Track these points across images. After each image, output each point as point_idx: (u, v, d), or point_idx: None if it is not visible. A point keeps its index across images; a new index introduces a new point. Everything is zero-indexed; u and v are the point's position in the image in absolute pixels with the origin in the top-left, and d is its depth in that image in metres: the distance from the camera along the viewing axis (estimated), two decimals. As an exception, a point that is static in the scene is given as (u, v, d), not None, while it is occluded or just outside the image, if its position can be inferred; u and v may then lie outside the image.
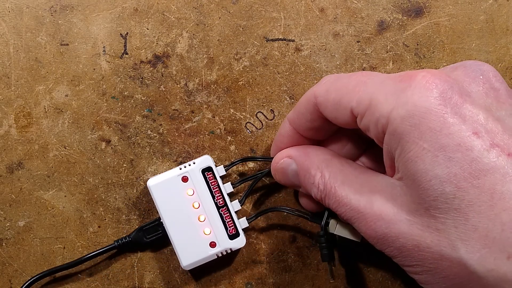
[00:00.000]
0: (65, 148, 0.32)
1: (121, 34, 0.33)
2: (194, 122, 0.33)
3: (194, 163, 0.30)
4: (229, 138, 0.33)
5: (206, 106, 0.33)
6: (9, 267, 0.32)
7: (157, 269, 0.32)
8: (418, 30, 0.33)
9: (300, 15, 0.33)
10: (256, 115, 0.33)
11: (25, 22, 0.33)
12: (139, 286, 0.32)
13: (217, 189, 0.30)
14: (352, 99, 0.24)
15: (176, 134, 0.33)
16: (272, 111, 0.33)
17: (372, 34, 0.33)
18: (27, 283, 0.30)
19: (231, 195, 0.31)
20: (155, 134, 0.33)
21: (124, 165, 0.32)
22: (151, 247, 0.32)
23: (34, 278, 0.31)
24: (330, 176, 0.26)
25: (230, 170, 0.32)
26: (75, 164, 0.32)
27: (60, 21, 0.33)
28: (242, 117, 0.33)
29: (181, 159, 0.32)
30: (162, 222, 0.30)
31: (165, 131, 0.33)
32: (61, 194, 0.32)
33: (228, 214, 0.30)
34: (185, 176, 0.30)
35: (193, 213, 0.30)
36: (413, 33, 0.33)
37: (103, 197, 0.32)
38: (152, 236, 0.31)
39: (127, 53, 0.33)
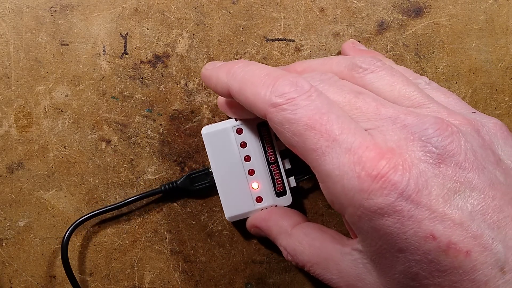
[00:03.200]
0: (65, 148, 0.32)
1: (121, 34, 0.33)
2: (194, 122, 0.33)
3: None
4: (229, 138, 0.33)
5: (206, 106, 0.33)
6: (9, 267, 0.32)
7: (157, 269, 0.32)
8: (418, 30, 0.33)
9: (300, 15, 0.33)
10: (256, 115, 0.33)
11: (25, 22, 0.33)
12: (139, 286, 0.32)
13: (270, 145, 0.30)
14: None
15: (176, 134, 0.33)
16: (272, 111, 0.33)
17: (372, 34, 0.33)
18: (75, 223, 0.31)
19: (283, 154, 0.31)
20: (155, 134, 0.33)
21: (124, 165, 0.32)
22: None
23: (84, 217, 0.31)
24: (289, 250, 0.28)
25: None
26: (75, 164, 0.32)
27: (60, 21, 0.33)
28: (242, 117, 0.33)
29: (181, 159, 0.32)
30: (211, 171, 0.30)
31: (165, 131, 0.33)
32: (61, 194, 0.32)
33: (278, 171, 0.30)
34: (240, 128, 0.30)
35: (243, 166, 0.30)
36: (413, 33, 0.33)
37: (103, 197, 0.32)
38: (199, 185, 0.31)
39: (127, 53, 0.33)
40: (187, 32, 0.33)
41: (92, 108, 0.33)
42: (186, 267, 0.32)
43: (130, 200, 0.31)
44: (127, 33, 0.33)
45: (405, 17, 0.33)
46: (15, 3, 0.33)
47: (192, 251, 0.32)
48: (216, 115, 0.33)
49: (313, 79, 0.25)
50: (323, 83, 0.24)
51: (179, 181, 0.31)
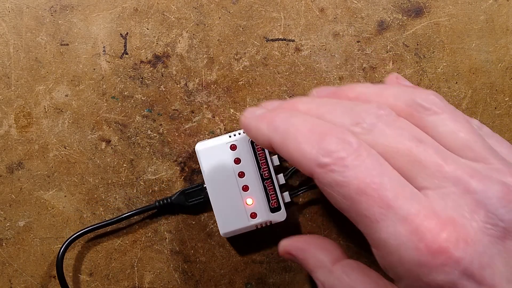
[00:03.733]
0: (65, 148, 0.32)
1: (121, 34, 0.33)
2: (194, 122, 0.33)
3: (244, 132, 0.30)
4: (229, 138, 0.33)
5: (206, 106, 0.33)
6: (9, 267, 0.32)
7: (157, 269, 0.32)
8: (418, 30, 0.33)
9: (300, 15, 0.33)
10: (256, 115, 0.33)
11: (25, 22, 0.33)
12: (139, 286, 0.32)
13: (264, 161, 0.30)
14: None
15: (176, 134, 0.33)
16: (272, 111, 0.33)
17: (372, 34, 0.33)
18: (68, 240, 0.31)
19: (277, 169, 0.31)
20: (155, 134, 0.33)
21: (124, 165, 0.32)
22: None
23: (76, 235, 0.31)
24: (327, 287, 0.25)
25: None
26: (75, 164, 0.32)
27: (60, 21, 0.33)
28: (242, 117, 0.33)
29: (181, 159, 0.32)
30: (205, 187, 0.30)
31: (165, 131, 0.33)
32: (61, 194, 0.32)
33: (272, 187, 0.30)
34: (234, 145, 0.30)
35: (237, 182, 0.30)
36: (413, 33, 0.33)
37: (103, 197, 0.32)
38: (193, 200, 0.31)
39: (127, 53, 0.33)
40: (187, 32, 0.33)
41: (92, 108, 0.33)
42: (186, 267, 0.32)
43: (124, 216, 0.31)
44: (127, 33, 0.33)
45: (405, 17, 0.33)
46: (15, 3, 0.33)
47: (192, 251, 0.32)
48: (216, 115, 0.33)
49: (368, 113, 0.22)
50: (380, 121, 0.22)
51: (173, 197, 0.31)
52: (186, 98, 0.33)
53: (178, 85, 0.33)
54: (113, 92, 0.33)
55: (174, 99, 0.33)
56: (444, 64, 0.33)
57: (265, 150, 0.30)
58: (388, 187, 0.20)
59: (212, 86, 0.33)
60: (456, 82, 0.33)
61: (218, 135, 0.32)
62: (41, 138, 0.32)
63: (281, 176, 0.31)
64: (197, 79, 0.33)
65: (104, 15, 0.33)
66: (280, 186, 0.31)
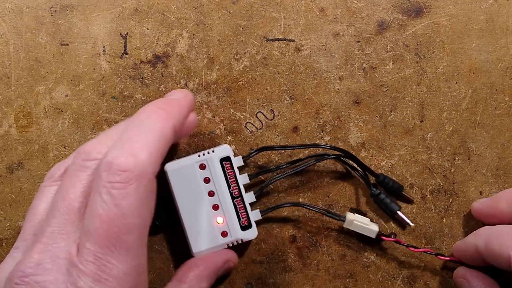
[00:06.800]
0: (65, 148, 0.32)
1: (121, 34, 0.33)
2: (194, 122, 0.33)
3: (213, 151, 0.30)
4: (229, 138, 0.33)
5: (206, 106, 0.33)
6: (9, 267, 0.32)
7: (157, 269, 0.32)
8: (418, 30, 0.33)
9: (300, 15, 0.33)
10: (256, 115, 0.33)
11: (25, 22, 0.33)
12: (139, 286, 0.32)
13: (234, 179, 0.30)
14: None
15: (176, 134, 0.33)
16: (272, 111, 0.33)
17: (372, 34, 0.33)
18: None
19: (247, 187, 0.31)
20: (155, 134, 0.33)
21: (124, 165, 0.32)
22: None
23: None
24: None
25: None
26: (75, 164, 0.32)
27: (60, 21, 0.33)
28: (242, 117, 0.33)
29: (181, 159, 0.32)
30: (176, 207, 0.30)
31: (165, 131, 0.33)
32: (61, 194, 0.32)
33: (242, 205, 0.30)
34: (203, 164, 0.30)
35: (207, 201, 0.30)
36: (413, 33, 0.33)
37: (103, 197, 0.32)
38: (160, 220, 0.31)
39: (127, 53, 0.33)
40: (187, 32, 0.33)
41: (92, 108, 0.33)
42: (186, 267, 0.32)
43: None
44: (127, 33, 0.33)
45: (405, 17, 0.33)
46: (15, 3, 0.33)
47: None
48: (216, 115, 0.33)
49: None
50: None
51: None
52: (186, 98, 0.33)
53: (178, 85, 0.33)
54: (113, 92, 0.33)
55: (174, 99, 0.33)
56: (444, 64, 0.33)
57: (234, 168, 0.30)
58: None
59: (212, 86, 0.33)
60: (456, 82, 0.33)
61: (218, 135, 0.32)
62: (41, 138, 0.32)
63: (251, 194, 0.31)
64: (197, 79, 0.33)
65: (104, 15, 0.33)
66: (251, 204, 0.31)
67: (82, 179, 0.23)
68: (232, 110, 0.33)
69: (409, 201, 0.32)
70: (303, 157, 0.32)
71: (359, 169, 0.31)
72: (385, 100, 0.33)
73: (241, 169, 0.31)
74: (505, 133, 0.33)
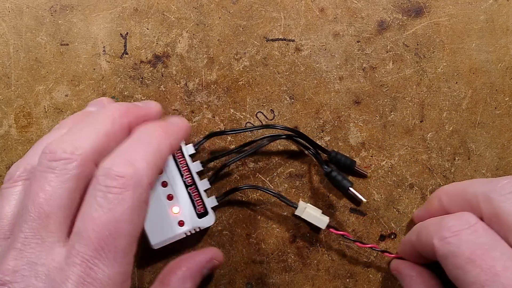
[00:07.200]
0: (65, 148, 0.32)
1: (121, 34, 0.33)
2: (194, 122, 0.33)
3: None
4: (229, 138, 0.33)
5: (206, 106, 0.33)
6: (9, 267, 0.32)
7: (157, 269, 0.32)
8: (418, 30, 0.33)
9: (300, 15, 0.33)
10: (256, 115, 0.33)
11: (25, 22, 0.33)
12: (139, 286, 0.32)
13: (186, 167, 0.30)
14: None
15: (176, 134, 0.33)
16: (272, 111, 0.33)
17: (372, 34, 0.33)
18: None
19: (202, 174, 0.31)
20: (155, 134, 0.33)
21: (124, 165, 0.32)
22: None
23: None
24: None
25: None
26: (75, 164, 0.32)
27: (60, 21, 0.33)
28: (242, 117, 0.33)
29: (181, 159, 0.32)
30: None
31: (165, 131, 0.33)
32: (61, 194, 0.32)
33: (197, 192, 0.30)
34: None
35: (161, 192, 0.30)
36: (413, 33, 0.33)
37: (103, 197, 0.32)
38: None
39: (127, 53, 0.33)
40: (187, 32, 0.33)
41: (92, 108, 0.33)
42: (186, 267, 0.32)
43: None
44: (127, 33, 0.33)
45: (405, 17, 0.33)
46: (15, 3, 0.33)
47: (192, 251, 0.32)
48: (216, 115, 0.33)
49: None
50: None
51: None
52: (186, 98, 0.33)
53: (178, 85, 0.33)
54: (113, 92, 0.33)
55: (174, 99, 0.33)
56: (444, 64, 0.33)
57: (186, 157, 0.30)
58: (497, 260, 0.22)
59: (212, 86, 0.33)
60: (456, 82, 0.33)
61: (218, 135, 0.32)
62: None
63: (205, 181, 0.31)
64: (197, 79, 0.33)
65: (104, 15, 0.33)
66: (207, 191, 0.30)
67: (50, 181, 0.23)
68: (232, 110, 0.33)
69: (362, 175, 0.32)
70: (256, 138, 0.32)
71: (311, 147, 0.31)
72: (385, 100, 0.33)
73: (194, 157, 0.31)
74: (505, 133, 0.33)
